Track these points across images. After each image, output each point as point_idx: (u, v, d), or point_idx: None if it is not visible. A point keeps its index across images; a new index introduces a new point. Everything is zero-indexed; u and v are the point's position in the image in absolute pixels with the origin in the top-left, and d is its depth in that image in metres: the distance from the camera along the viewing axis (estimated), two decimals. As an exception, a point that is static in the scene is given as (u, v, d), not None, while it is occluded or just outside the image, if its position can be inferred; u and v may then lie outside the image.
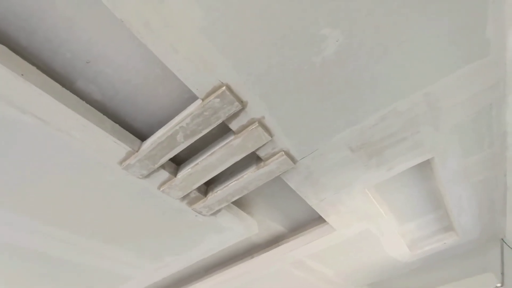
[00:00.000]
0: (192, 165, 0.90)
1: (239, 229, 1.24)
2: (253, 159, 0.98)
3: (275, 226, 1.46)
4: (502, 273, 2.19)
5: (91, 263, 1.27)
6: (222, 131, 0.89)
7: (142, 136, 0.90)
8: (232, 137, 0.85)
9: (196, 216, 1.11)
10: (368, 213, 1.28)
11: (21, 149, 0.79)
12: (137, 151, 0.84)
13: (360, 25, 0.66)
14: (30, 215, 0.96)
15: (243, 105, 0.76)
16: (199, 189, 1.01)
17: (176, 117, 0.80)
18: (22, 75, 0.64)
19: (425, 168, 1.20)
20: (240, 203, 1.23)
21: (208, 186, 1.06)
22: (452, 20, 0.68)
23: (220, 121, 0.78)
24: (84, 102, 0.77)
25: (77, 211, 1.01)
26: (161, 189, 0.95)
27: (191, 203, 1.04)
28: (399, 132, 0.93)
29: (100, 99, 0.81)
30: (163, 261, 1.37)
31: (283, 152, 0.91)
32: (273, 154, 0.91)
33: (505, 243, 1.80)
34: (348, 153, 0.97)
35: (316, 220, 1.43)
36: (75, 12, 0.67)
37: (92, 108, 0.78)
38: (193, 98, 0.83)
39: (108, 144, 0.80)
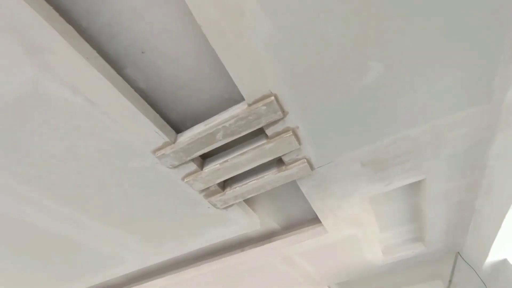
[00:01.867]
0: (220, 161, 0.95)
1: (243, 223, 1.31)
2: (274, 162, 1.06)
3: (271, 223, 1.55)
4: (450, 281, 2.52)
5: (90, 243, 1.26)
6: (253, 133, 0.95)
7: (175, 128, 0.93)
8: (264, 141, 0.91)
9: (208, 208, 1.16)
10: (359, 220, 1.42)
11: (59, 128, 0.78)
12: (173, 143, 0.87)
13: (400, 64, 0.76)
14: (51, 193, 0.95)
15: (284, 114, 0.83)
16: (219, 183, 1.07)
17: (218, 116, 0.85)
18: (87, 58, 0.65)
19: (413, 186, 1.36)
20: (247, 199, 1.30)
21: (225, 182, 1.12)
22: (469, 70, 0.81)
23: (259, 126, 0.84)
24: (132, 89, 0.79)
25: (93, 192, 1.01)
26: (185, 180, 0.99)
27: (208, 195, 1.09)
28: (404, 155, 1.06)
29: (143, 87, 0.83)
30: (162, 247, 1.40)
31: (305, 160, 0.99)
32: (296, 160, 1.00)
33: (461, 256, 2.08)
34: (359, 167, 1.08)
35: (310, 221, 1.55)
36: (142, 3, 0.69)
37: (139, 96, 0.80)
38: (232, 100, 0.88)
39: (149, 133, 0.82)
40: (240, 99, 0.88)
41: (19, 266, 1.37)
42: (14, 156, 0.83)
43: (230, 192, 1.08)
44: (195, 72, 0.82)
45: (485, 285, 1.94)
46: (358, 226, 1.47)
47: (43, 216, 1.08)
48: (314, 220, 1.54)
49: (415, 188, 1.36)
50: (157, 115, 0.85)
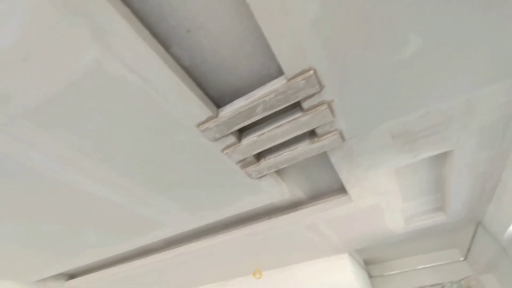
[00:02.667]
0: (258, 133, 1.02)
1: (274, 192, 1.41)
2: (307, 134, 1.11)
3: (298, 193, 1.65)
4: (468, 249, 2.58)
5: (137, 209, 1.41)
6: (289, 107, 1.00)
7: (215, 104, 1.00)
8: (300, 114, 0.96)
9: (243, 178, 1.25)
10: (384, 190, 1.48)
11: (116, 105, 0.86)
12: (216, 117, 0.94)
13: (439, 37, 0.76)
14: (106, 163, 1.07)
15: (321, 88, 0.87)
16: (254, 155, 1.14)
17: (258, 91, 0.90)
18: (143, 38, 0.70)
19: (439, 157, 1.39)
20: (278, 170, 1.39)
21: (260, 153, 1.19)
22: (506, 42, 0.80)
23: (297, 100, 0.89)
24: (180, 67, 0.84)
25: (143, 163, 1.12)
26: (224, 152, 1.08)
27: (244, 166, 1.18)
28: (435, 126, 1.08)
29: (187, 65, 0.89)
30: (199, 214, 1.54)
31: (337, 132, 1.04)
32: (328, 132, 1.05)
33: (482, 225, 2.12)
34: (389, 139, 1.12)
35: (335, 191, 1.63)
36: (190, -17, 0.72)
37: (185, 73, 0.86)
38: (269, 76, 0.93)
39: (195, 108, 0.89)
40: (277, 74, 0.92)
41: (73, 230, 1.56)
42: (77, 131, 0.94)
43: (264, 163, 1.16)
44: (237, 50, 0.86)
45: (506, 253, 2.00)
46: (382, 196, 1.54)
47: (98, 186, 1.21)
48: (340, 190, 1.62)
49: (441, 159, 1.39)
50: (201, 92, 0.91)
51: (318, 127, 1.01)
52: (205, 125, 0.95)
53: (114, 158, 1.08)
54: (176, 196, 1.36)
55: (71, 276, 2.41)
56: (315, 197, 1.71)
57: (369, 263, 3.20)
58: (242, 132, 1.08)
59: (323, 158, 1.36)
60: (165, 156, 1.10)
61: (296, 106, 0.98)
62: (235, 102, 0.94)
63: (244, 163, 1.16)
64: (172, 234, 1.78)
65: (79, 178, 1.15)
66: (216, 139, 1.01)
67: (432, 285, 2.87)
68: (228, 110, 0.93)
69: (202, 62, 0.89)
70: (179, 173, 1.20)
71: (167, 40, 0.82)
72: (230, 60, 0.89)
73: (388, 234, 2.04)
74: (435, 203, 1.80)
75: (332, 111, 0.95)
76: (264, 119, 1.04)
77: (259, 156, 1.18)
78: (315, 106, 0.93)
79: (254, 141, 1.03)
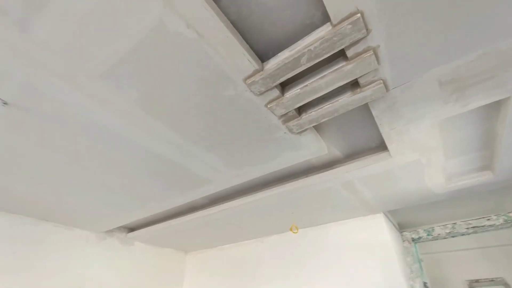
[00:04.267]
0: (301, 86, 1.06)
1: (313, 148, 1.47)
2: (348, 86, 1.13)
3: (335, 151, 1.69)
4: (516, 214, 2.46)
5: (188, 164, 1.57)
6: (331, 57, 1.02)
7: (259, 58, 1.04)
8: (343, 63, 0.98)
9: (285, 133, 1.33)
10: (425, 145, 1.46)
11: (175, 61, 0.96)
12: (262, 70, 0.99)
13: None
14: (163, 119, 1.20)
15: (367, 32, 0.87)
16: (296, 109, 1.20)
17: (302, 41, 0.93)
18: (200, -8, 0.76)
19: (491, 108, 1.32)
20: (315, 127, 1.43)
21: (300, 108, 1.24)
22: None
23: (342, 47, 0.90)
24: (229, 21, 0.90)
25: (194, 119, 1.23)
26: (268, 106, 1.14)
27: (286, 120, 1.24)
28: (489, 71, 1.03)
29: (234, 19, 0.93)
30: (242, 170, 1.67)
31: (381, 81, 1.04)
32: (372, 82, 1.05)
33: (533, 185, 2.00)
34: (435, 87, 1.09)
35: (373, 149, 1.64)
36: None
37: (234, 27, 0.91)
38: (313, 25, 0.94)
39: (243, 61, 0.96)
40: (321, 23, 0.93)
41: (134, 184, 1.79)
42: (140, 88, 1.06)
43: (305, 116, 1.21)
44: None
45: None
46: (424, 152, 1.52)
47: (155, 142, 1.37)
48: (378, 147, 1.62)
49: (493, 109, 1.32)
50: (247, 45, 0.97)
51: (361, 76, 1.02)
52: (252, 79, 1.01)
53: (170, 115, 1.20)
54: (223, 153, 1.48)
55: (131, 229, 2.80)
56: (351, 155, 1.74)
57: (403, 227, 3.22)
58: (285, 87, 1.13)
59: (363, 113, 1.37)
60: (214, 113, 1.20)
61: (340, 56, 1.00)
62: (280, 54, 0.98)
63: (286, 118, 1.23)
64: (217, 191, 1.96)
65: (139, 134, 1.31)
66: (261, 93, 1.08)
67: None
68: (273, 63, 0.98)
69: (248, 15, 0.93)
70: (226, 129, 1.31)
71: (216, -6, 0.87)
72: (276, 10, 0.91)
73: (427, 194, 2.03)
74: (481, 161, 1.73)
75: (377, 57, 0.95)
76: (307, 72, 1.07)
77: (301, 111, 1.23)
78: (359, 54, 0.94)
79: (297, 94, 1.08)
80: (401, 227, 3.21)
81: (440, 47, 0.93)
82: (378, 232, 2.33)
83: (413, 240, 3.00)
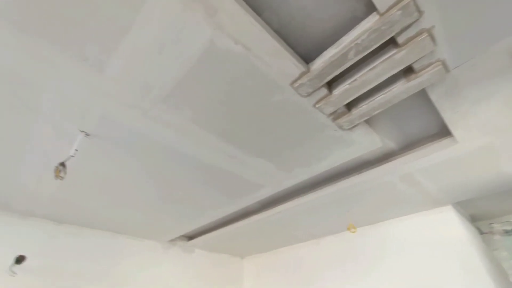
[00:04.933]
0: (349, 81, 1.04)
1: (365, 143, 1.42)
2: (401, 73, 1.07)
3: (389, 143, 1.60)
4: None
5: (239, 172, 1.64)
6: (379, 48, 0.98)
7: (304, 60, 1.06)
8: (394, 51, 0.93)
9: (335, 130, 1.31)
10: (498, 126, 1.30)
11: (224, 76, 1.02)
12: (308, 71, 1.00)
13: None
14: (213, 131, 1.28)
15: (420, 15, 0.82)
16: (346, 105, 1.17)
17: (347, 36, 0.92)
18: (246, 10, 0.81)
19: None
20: (368, 120, 1.38)
21: (350, 103, 1.21)
22: None
23: (392, 35, 0.87)
24: (272, 30, 0.93)
25: (243, 127, 1.29)
26: (316, 105, 1.14)
27: (335, 118, 1.22)
28: None
29: (277, 28, 0.96)
30: (293, 172, 1.68)
31: (439, 62, 0.97)
32: (429, 65, 0.98)
33: None
34: (506, 59, 0.97)
35: (433, 136, 1.52)
36: None
37: (277, 35, 0.94)
38: (356, 18, 0.92)
39: (289, 66, 0.98)
40: (364, 15, 0.91)
41: (192, 195, 1.92)
42: (196, 106, 1.15)
43: (356, 111, 1.18)
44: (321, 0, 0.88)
45: None
46: (496, 134, 1.35)
47: (211, 154, 1.46)
48: (439, 134, 1.49)
49: None
50: (292, 50, 0.99)
51: (415, 61, 0.96)
52: (299, 81, 1.03)
53: (220, 127, 1.27)
54: (273, 157, 1.51)
55: (190, 238, 2.98)
56: (408, 146, 1.63)
57: (476, 219, 2.86)
58: (332, 84, 1.12)
59: (417, 99, 1.28)
60: (263, 120, 1.24)
61: (389, 44, 0.96)
62: (325, 53, 0.98)
63: (336, 115, 1.21)
64: (269, 195, 1.99)
65: (194, 148, 1.41)
66: (309, 94, 1.09)
67: None
68: (319, 63, 0.98)
69: (289, 21, 0.95)
70: (275, 134, 1.34)
71: (259, 7, 0.91)
72: (315, 12, 0.92)
73: (504, 180, 1.79)
74: None
75: (432, 39, 0.89)
76: (354, 66, 1.05)
77: (350, 106, 1.20)
78: (412, 38, 0.89)
79: (346, 90, 1.06)
80: (474, 220, 2.86)
81: (503, 17, 0.84)
82: (448, 226, 2.12)
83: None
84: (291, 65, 0.98)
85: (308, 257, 2.92)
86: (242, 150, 1.44)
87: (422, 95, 1.24)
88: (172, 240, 2.87)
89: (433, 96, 1.14)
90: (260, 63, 0.97)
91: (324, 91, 1.08)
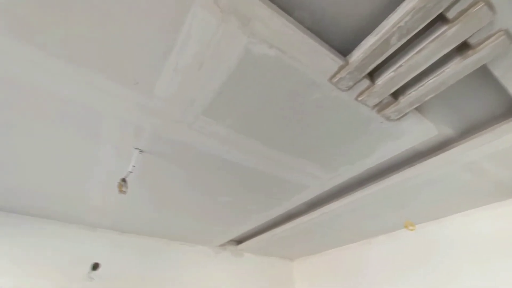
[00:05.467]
0: (393, 68, 0.97)
1: (417, 133, 1.31)
2: (453, 51, 0.97)
3: (445, 130, 1.44)
4: None
5: (282, 174, 1.63)
6: (426, 27, 0.90)
7: (341, 53, 1.01)
8: (444, 27, 0.85)
9: (381, 123, 1.23)
10: None
11: (262, 81, 1.03)
12: (347, 64, 0.96)
13: None
14: (254, 136, 1.30)
15: (472, -16, 0.74)
16: (391, 94, 1.10)
17: (387, 21, 0.86)
18: (277, 13, 0.81)
19: None
20: (419, 107, 1.26)
21: (396, 91, 1.13)
22: None
23: (439, 11, 0.79)
24: (305, 28, 0.91)
25: (283, 129, 1.28)
26: (358, 98, 1.09)
27: (381, 109, 1.15)
28: None
29: (309, 25, 0.94)
30: (338, 171, 1.61)
31: (502, 32, 0.85)
32: (488, 38, 0.87)
33: None
34: None
35: (500, 117, 1.33)
36: None
37: (312, 33, 0.93)
38: (394, 1, 0.86)
39: (326, 62, 0.95)
40: (404, -5, 0.84)
41: (239, 200, 1.96)
42: (236, 114, 1.18)
43: (404, 99, 1.09)
44: (354, -13, 0.84)
45: None
46: None
47: (252, 159, 1.48)
48: (506, 114, 1.31)
49: None
50: (327, 45, 0.96)
51: (471, 36, 0.86)
52: (338, 76, 0.99)
53: (260, 131, 1.29)
54: (316, 157, 1.48)
55: (239, 242, 3.05)
56: (468, 131, 1.45)
57: None
58: (373, 74, 1.06)
59: (475, 77, 1.14)
60: (303, 120, 1.22)
61: (437, 21, 0.87)
62: (363, 42, 0.93)
63: (381, 106, 1.14)
64: (315, 195, 1.95)
65: (236, 154, 1.44)
66: (350, 88, 1.04)
67: None
68: (358, 53, 0.93)
69: (322, 16, 0.92)
70: (317, 133, 1.30)
71: (290, 6, 0.90)
72: (347, 2, 0.88)
73: None
74: None
75: (490, 7, 0.79)
76: (397, 51, 0.98)
77: (397, 94, 1.12)
78: (465, 11, 0.80)
79: (391, 78, 0.99)
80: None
81: None
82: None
83: None
84: (328, 61, 0.95)
85: (359, 258, 2.78)
86: (284, 153, 1.44)
87: (482, 72, 1.10)
88: (222, 245, 2.97)
89: (497, 72, 1.00)
90: (296, 64, 0.96)
91: (366, 82, 1.03)
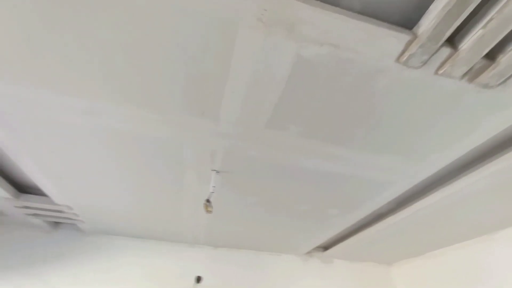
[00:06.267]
0: (481, 24, 0.79)
1: (535, 94, 1.01)
2: None
3: None
4: None
5: (360, 173, 1.50)
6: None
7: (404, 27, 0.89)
8: (550, -46, 0.65)
9: (477, 93, 1.00)
10: None
11: (318, 84, 0.99)
12: (416, 37, 0.83)
13: None
14: (325, 139, 1.24)
15: None
16: (484, 56, 0.89)
17: (461, -28, 0.71)
18: (323, 8, 0.77)
19: None
20: (528, 63, 0.99)
21: (490, 51, 0.91)
22: None
23: None
24: (357, 14, 0.84)
25: (350, 127, 1.19)
26: (439, 72, 0.92)
27: (473, 77, 0.94)
28: None
29: (360, 9, 0.85)
30: (426, 161, 1.39)
31: None
32: None
33: None
34: None
35: None
36: None
37: (365, 17, 0.84)
38: None
39: (388, 42, 0.84)
40: None
41: (320, 207, 1.89)
42: (300, 120, 1.16)
43: (505, 58, 0.87)
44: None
45: None
46: None
47: (327, 163, 1.42)
48: None
49: None
50: (386, 23, 0.85)
51: None
52: (406, 53, 0.86)
53: (329, 132, 1.22)
54: (397, 149, 1.31)
55: (325, 248, 2.93)
56: None
57: None
58: (453, 39, 0.88)
59: None
60: (373, 111, 1.11)
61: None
62: (432, 7, 0.79)
63: (472, 74, 0.93)
64: (403, 191, 1.72)
65: (311, 161, 1.40)
66: (424, 62, 0.89)
67: None
68: (427, 21, 0.80)
69: (373, -6, 0.83)
70: (392, 123, 1.16)
71: (334, -2, 0.85)
72: (404, -32, 0.77)
73: None
74: None
75: None
76: (480, 6, 0.79)
77: (493, 55, 0.90)
78: None
79: (480, 37, 0.81)
80: None
81: None
82: None
83: None
84: (390, 40, 0.84)
85: (478, 258, 2.26)
86: (360, 150, 1.33)
87: None
88: (308, 253, 2.90)
89: None
90: (352, 55, 0.89)
91: (446, 51, 0.86)
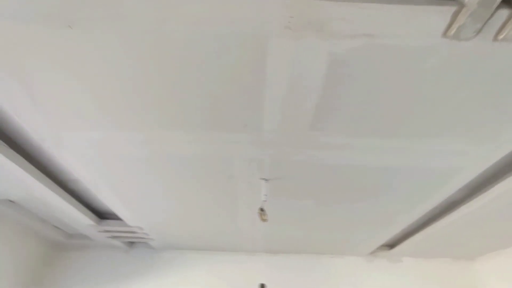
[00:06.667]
0: (546, -26, 0.68)
1: None
2: None
3: None
4: None
5: (420, 162, 1.37)
6: None
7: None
8: None
9: (555, 51, 0.85)
10: None
11: (357, 78, 0.96)
12: (464, 6, 0.75)
13: None
14: (369, 133, 1.18)
15: None
16: (557, 6, 0.76)
17: None
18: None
19: None
20: None
21: None
22: None
23: None
24: (389, -2, 0.80)
25: (402, 116, 1.11)
26: (499, 37, 0.81)
27: (546, 34, 0.81)
28: None
29: (390, -9, 0.81)
30: (499, 139, 1.21)
31: None
32: None
33: None
34: None
35: None
36: None
37: (398, -1, 0.80)
38: None
39: (431, 18, 0.78)
40: None
41: (374, 203, 1.78)
42: (344, 118, 1.12)
43: None
44: None
45: None
46: None
47: (375, 157, 1.34)
48: None
49: None
50: (424, -1, 0.79)
51: None
52: (455, 25, 0.78)
53: (379, 125, 1.16)
54: (457, 131, 1.18)
55: (391, 246, 2.71)
56: None
57: None
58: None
59: None
60: (426, 95, 1.02)
61: None
62: (478, -31, 0.71)
63: (544, 30, 0.80)
64: (474, 176, 1.52)
65: (362, 157, 1.34)
66: (478, 31, 0.80)
67: None
68: (475, -14, 0.72)
69: (404, -27, 0.78)
70: (450, 102, 1.05)
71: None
72: None
73: None
74: None
75: None
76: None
77: None
78: None
79: (546, -12, 0.69)
80: None
81: None
82: None
83: None
84: (432, 16, 0.77)
85: None
86: (416, 138, 1.22)
87: None
88: (372, 252, 2.73)
89: None
90: (390, 41, 0.84)
91: (504, 13, 0.76)
